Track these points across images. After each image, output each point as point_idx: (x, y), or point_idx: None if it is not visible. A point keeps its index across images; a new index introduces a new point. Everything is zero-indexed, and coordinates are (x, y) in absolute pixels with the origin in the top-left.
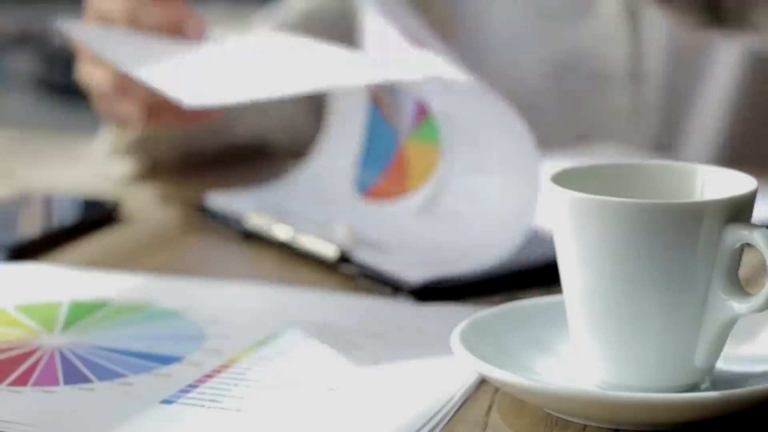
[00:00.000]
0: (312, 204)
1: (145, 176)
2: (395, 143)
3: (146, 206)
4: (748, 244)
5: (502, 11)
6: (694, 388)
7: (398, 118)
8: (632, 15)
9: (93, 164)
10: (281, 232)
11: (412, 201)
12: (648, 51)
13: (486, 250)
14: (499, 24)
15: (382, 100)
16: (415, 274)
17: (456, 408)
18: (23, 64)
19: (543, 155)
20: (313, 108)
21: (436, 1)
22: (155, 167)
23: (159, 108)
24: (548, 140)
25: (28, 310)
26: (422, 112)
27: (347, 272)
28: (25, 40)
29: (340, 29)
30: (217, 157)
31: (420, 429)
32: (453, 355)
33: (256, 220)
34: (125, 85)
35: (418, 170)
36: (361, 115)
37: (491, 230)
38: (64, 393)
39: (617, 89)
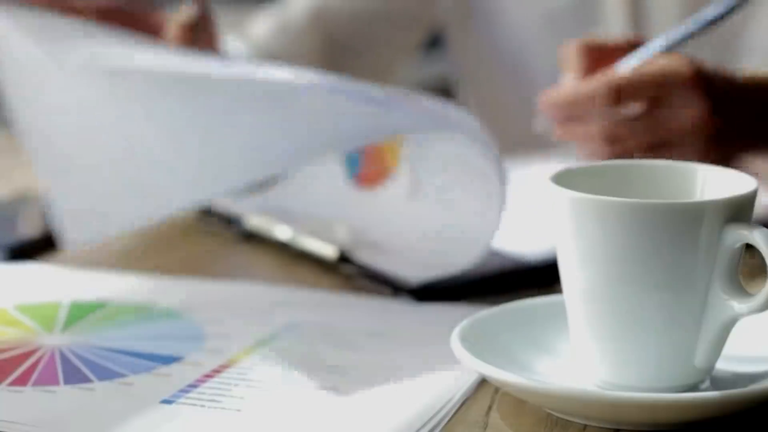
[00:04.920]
0: (311, 202)
1: None
2: None
3: None
4: (748, 244)
5: (513, 15)
6: (694, 388)
7: None
8: (638, 23)
9: None
10: (281, 232)
11: (398, 185)
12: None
13: (451, 258)
14: (510, 27)
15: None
16: (415, 274)
17: (456, 408)
18: None
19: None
20: None
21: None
22: None
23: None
24: (554, 145)
25: (29, 310)
26: None
27: (347, 272)
28: None
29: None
30: None
31: (420, 429)
32: (453, 355)
33: (256, 220)
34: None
35: (389, 146)
36: None
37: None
38: (64, 393)
39: None
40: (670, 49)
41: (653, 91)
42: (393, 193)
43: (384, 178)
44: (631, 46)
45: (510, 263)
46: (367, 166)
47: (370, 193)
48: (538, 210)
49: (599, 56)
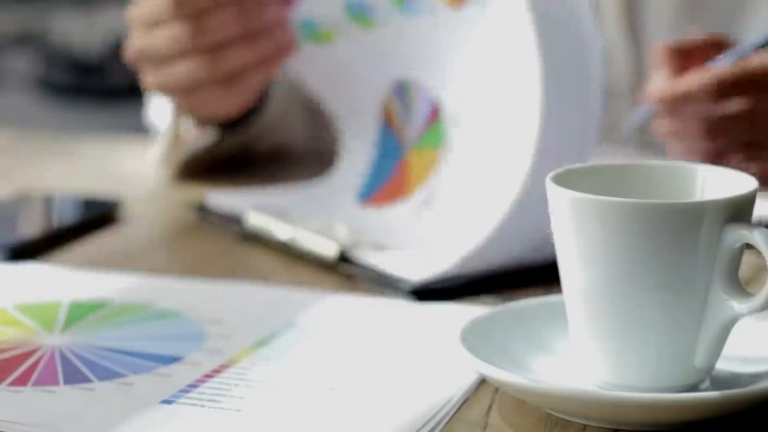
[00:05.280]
0: (311, 208)
1: (176, 181)
2: (399, 156)
3: (146, 206)
4: (748, 244)
5: None
6: (694, 388)
7: (406, 129)
8: (634, 31)
9: (144, 168)
10: (281, 232)
11: (409, 204)
12: (649, 66)
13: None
14: None
15: (392, 116)
16: (415, 274)
17: (456, 408)
18: (23, 64)
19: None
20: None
21: None
22: (184, 173)
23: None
24: None
25: (28, 310)
26: (434, 115)
27: (347, 272)
28: (25, 40)
29: None
30: (237, 162)
31: (420, 429)
32: (453, 355)
33: (256, 220)
34: (196, 41)
35: (417, 175)
36: (371, 135)
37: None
38: (64, 393)
39: (619, 104)
40: (764, 47)
41: (755, 86)
42: (398, 211)
43: (395, 201)
44: (714, 45)
45: (510, 263)
46: (386, 191)
47: (375, 210)
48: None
49: (685, 57)
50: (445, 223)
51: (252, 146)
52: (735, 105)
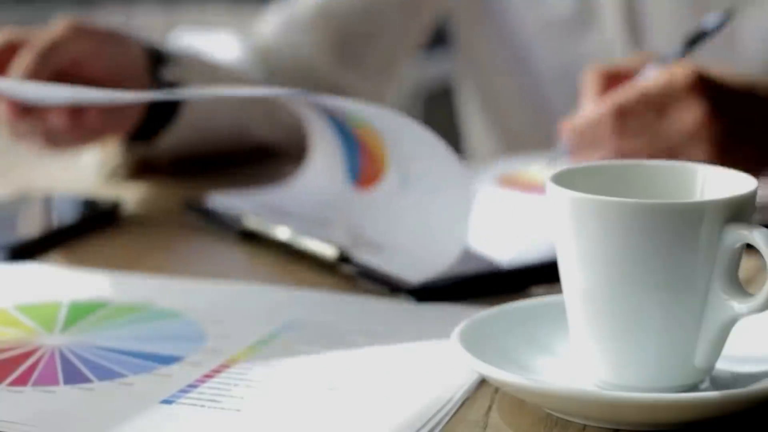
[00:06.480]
0: (310, 203)
1: (140, 173)
2: (349, 129)
3: (146, 206)
4: (748, 244)
5: (520, 16)
6: (694, 388)
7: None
8: (634, 28)
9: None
10: (281, 232)
11: (391, 179)
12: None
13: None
14: (517, 25)
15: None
16: (415, 274)
17: (456, 408)
18: None
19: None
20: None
21: None
22: (151, 164)
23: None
24: (550, 142)
25: (28, 310)
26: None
27: (347, 272)
28: None
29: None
30: (224, 159)
31: (420, 429)
32: (453, 355)
33: (256, 220)
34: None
35: (376, 148)
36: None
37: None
38: (64, 393)
39: None
40: (673, 61)
41: (655, 104)
42: (386, 191)
43: (379, 178)
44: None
45: (510, 263)
46: (365, 164)
47: (368, 193)
48: (536, 212)
49: (616, 81)
50: (425, 205)
51: (241, 142)
52: (639, 124)
